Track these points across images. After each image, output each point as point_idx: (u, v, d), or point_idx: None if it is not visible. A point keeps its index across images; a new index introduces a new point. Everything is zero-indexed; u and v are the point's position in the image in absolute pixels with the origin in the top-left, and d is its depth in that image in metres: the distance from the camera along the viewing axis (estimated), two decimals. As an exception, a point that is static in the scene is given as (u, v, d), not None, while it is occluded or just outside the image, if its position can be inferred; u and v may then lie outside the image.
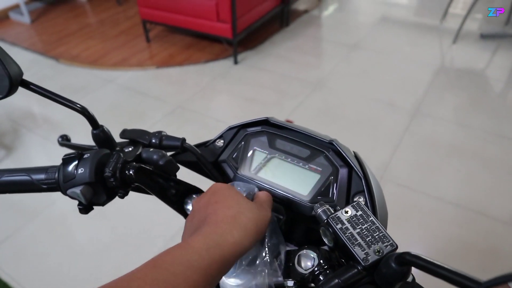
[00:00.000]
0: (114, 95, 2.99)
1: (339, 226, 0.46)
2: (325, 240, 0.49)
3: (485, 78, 3.08)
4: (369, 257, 0.43)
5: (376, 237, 0.44)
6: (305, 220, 0.59)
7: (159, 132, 0.64)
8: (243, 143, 0.64)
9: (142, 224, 2.01)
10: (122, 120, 2.70)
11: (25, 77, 0.53)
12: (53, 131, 2.65)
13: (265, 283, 0.52)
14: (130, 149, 0.62)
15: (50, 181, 0.55)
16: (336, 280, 0.44)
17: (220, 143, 0.66)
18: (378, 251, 0.43)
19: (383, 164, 2.26)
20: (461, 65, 3.23)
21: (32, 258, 1.87)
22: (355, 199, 0.55)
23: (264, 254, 0.53)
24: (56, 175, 0.55)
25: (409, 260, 0.38)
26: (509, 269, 0.27)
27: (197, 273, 0.39)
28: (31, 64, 3.39)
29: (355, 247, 0.44)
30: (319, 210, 0.50)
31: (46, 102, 2.82)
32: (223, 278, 0.55)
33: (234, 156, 0.64)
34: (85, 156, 0.55)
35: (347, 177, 0.57)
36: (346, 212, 0.47)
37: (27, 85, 0.53)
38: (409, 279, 0.42)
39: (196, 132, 2.55)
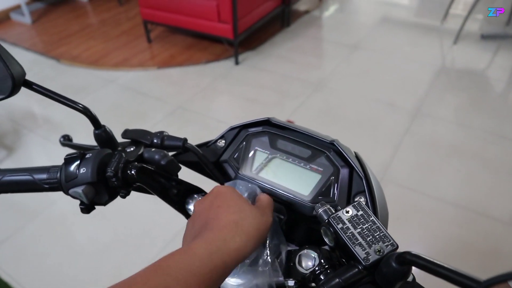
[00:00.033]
0: (115, 96, 3.00)
1: (340, 225, 0.46)
2: (326, 239, 0.49)
3: (486, 78, 3.08)
4: (369, 257, 0.43)
5: (377, 236, 0.44)
6: (306, 220, 0.59)
7: (161, 132, 0.64)
8: (244, 143, 0.64)
9: (143, 224, 2.01)
10: (123, 121, 2.71)
11: (26, 77, 0.54)
12: (53, 132, 2.65)
13: (266, 283, 0.52)
14: (132, 149, 0.62)
15: (52, 180, 0.55)
16: (337, 280, 0.44)
17: (222, 143, 0.66)
18: (379, 251, 0.43)
19: (383, 164, 2.26)
20: (461, 65, 3.23)
21: (32, 258, 1.88)
22: (356, 199, 0.55)
23: (265, 254, 0.53)
24: (58, 174, 0.55)
25: (409, 260, 0.38)
26: (509, 269, 0.27)
27: (199, 279, 0.39)
28: (32, 65, 3.40)
29: (356, 246, 0.44)
30: (320, 210, 0.50)
31: (46, 103, 2.83)
32: None
33: (235, 156, 0.64)
34: (87, 156, 0.55)
35: (348, 177, 0.57)
36: (347, 212, 0.47)
37: (30, 85, 0.54)
38: (410, 278, 0.42)
39: (197, 132, 2.55)
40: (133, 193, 0.61)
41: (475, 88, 2.93)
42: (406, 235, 1.88)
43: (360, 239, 0.44)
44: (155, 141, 0.63)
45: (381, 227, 0.45)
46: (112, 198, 0.58)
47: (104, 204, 0.57)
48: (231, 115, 2.78)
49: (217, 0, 3.05)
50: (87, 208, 0.56)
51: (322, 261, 0.51)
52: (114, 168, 0.54)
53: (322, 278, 0.49)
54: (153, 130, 0.65)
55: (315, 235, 0.61)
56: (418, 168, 2.24)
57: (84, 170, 0.53)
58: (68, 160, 0.55)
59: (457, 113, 2.68)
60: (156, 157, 0.60)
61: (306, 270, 0.51)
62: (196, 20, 3.24)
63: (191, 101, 2.88)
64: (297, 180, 0.59)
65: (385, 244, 0.44)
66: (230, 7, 2.99)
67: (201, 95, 2.95)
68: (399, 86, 2.96)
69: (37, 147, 2.54)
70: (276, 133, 0.63)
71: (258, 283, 0.52)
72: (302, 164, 0.59)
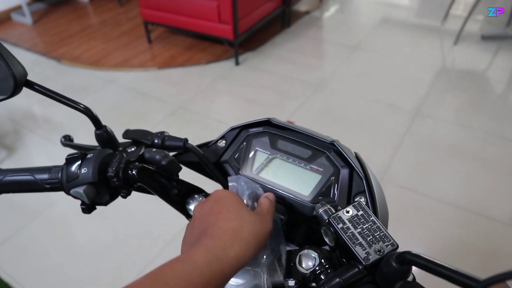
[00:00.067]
0: (115, 96, 3.00)
1: (340, 225, 0.46)
2: (326, 239, 0.49)
3: (486, 79, 3.08)
4: (370, 257, 0.43)
5: (377, 236, 0.45)
6: (306, 220, 0.59)
7: (162, 133, 0.64)
8: (245, 143, 0.64)
9: (143, 224, 2.01)
10: (124, 121, 2.71)
11: (27, 77, 0.54)
12: (54, 132, 2.66)
13: (266, 283, 0.52)
14: (132, 149, 0.63)
15: (53, 180, 0.55)
16: (337, 279, 0.44)
17: (222, 143, 0.67)
18: (379, 251, 0.43)
19: (383, 164, 2.26)
20: (462, 66, 3.23)
21: (32, 259, 1.88)
22: (356, 199, 0.55)
23: (265, 255, 0.54)
24: (60, 175, 0.55)
25: (409, 259, 0.38)
26: (509, 269, 0.27)
27: None
28: (33, 65, 3.40)
29: (356, 246, 0.44)
30: (321, 210, 0.50)
31: (47, 103, 2.84)
32: None
33: (236, 156, 0.64)
34: (88, 156, 0.55)
35: (348, 178, 0.57)
36: (347, 212, 0.47)
37: (32, 85, 0.54)
38: (410, 278, 0.43)
39: (197, 133, 2.55)
40: (133, 193, 0.61)
41: (475, 89, 2.93)
42: (406, 236, 1.88)
43: (361, 239, 0.45)
44: (156, 141, 0.63)
45: (381, 227, 0.45)
46: (113, 198, 0.58)
47: (105, 204, 0.57)
48: (231, 116, 2.79)
49: (217, 0, 3.05)
50: (88, 208, 0.56)
51: (322, 261, 0.51)
52: (115, 168, 0.54)
53: (323, 278, 0.49)
54: (154, 130, 0.65)
55: (315, 235, 0.61)
56: (418, 168, 2.25)
57: (85, 170, 0.53)
58: (70, 160, 0.55)
59: (457, 114, 2.68)
60: (157, 157, 0.60)
61: (307, 270, 0.51)
62: (196, 20, 3.24)
63: (192, 102, 2.88)
64: (297, 181, 0.59)
65: (385, 244, 0.44)
66: (231, 8, 2.99)
67: (201, 95, 2.95)
68: (399, 87, 2.96)
69: (38, 147, 2.55)
70: (276, 133, 0.63)
71: (258, 283, 0.52)
72: (302, 164, 0.60)
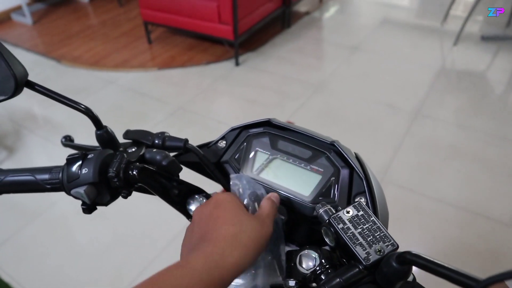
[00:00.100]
0: (115, 96, 3.00)
1: (340, 226, 0.46)
2: (326, 240, 0.49)
3: (486, 80, 3.08)
4: (370, 257, 0.43)
5: (377, 236, 0.45)
6: (306, 221, 0.59)
7: (162, 133, 0.64)
8: (245, 144, 0.64)
9: (143, 225, 2.01)
10: (124, 121, 2.71)
11: (28, 78, 0.54)
12: (54, 132, 2.66)
13: (266, 283, 0.52)
14: (133, 149, 0.63)
15: (54, 181, 0.55)
16: (338, 279, 0.44)
17: (223, 144, 0.67)
18: (379, 251, 0.43)
19: (383, 165, 2.26)
20: (462, 67, 3.23)
21: (33, 259, 1.88)
22: (356, 200, 0.55)
23: (265, 255, 0.54)
24: (60, 175, 0.55)
25: (410, 259, 0.38)
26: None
27: None
28: (33, 65, 3.40)
29: (357, 246, 0.44)
30: (321, 210, 0.50)
31: (47, 104, 2.84)
32: None
33: (236, 157, 0.64)
34: (89, 156, 0.55)
35: (349, 178, 0.57)
36: (348, 212, 0.47)
37: (32, 86, 0.54)
38: (410, 278, 0.43)
39: (197, 133, 2.55)
40: (134, 193, 0.61)
41: (475, 90, 2.94)
42: (406, 236, 1.88)
43: (361, 239, 0.45)
44: (156, 141, 0.63)
45: (382, 227, 0.46)
46: (114, 198, 0.58)
47: (106, 204, 0.57)
48: (231, 116, 2.79)
49: (217, 1, 3.06)
50: (89, 208, 0.56)
51: (323, 261, 0.51)
52: (116, 168, 0.54)
53: (323, 278, 0.49)
54: (154, 131, 0.65)
55: (316, 235, 0.61)
56: (418, 169, 2.25)
57: (86, 170, 0.53)
58: (70, 160, 0.55)
59: (457, 115, 2.68)
60: (158, 157, 0.60)
61: (307, 270, 0.51)
62: (196, 21, 3.25)
63: (192, 102, 2.88)
64: (297, 181, 0.59)
65: (386, 244, 0.44)
66: (231, 8, 2.99)
67: (201, 96, 2.95)
68: (399, 88, 2.96)
69: (38, 148, 2.55)
70: (276, 134, 0.63)
71: (258, 283, 0.52)
72: (302, 164, 0.60)
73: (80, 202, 0.56)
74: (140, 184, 0.58)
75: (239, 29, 3.12)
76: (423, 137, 2.48)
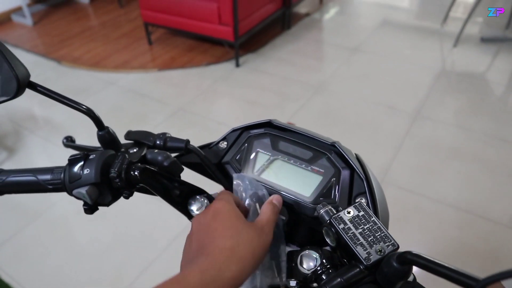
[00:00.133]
0: (115, 97, 3.01)
1: (341, 226, 0.47)
2: (327, 240, 0.49)
3: (486, 81, 3.08)
4: (371, 257, 0.43)
5: (378, 237, 0.45)
6: (307, 221, 0.60)
7: (164, 134, 0.64)
8: (246, 145, 0.65)
9: (144, 225, 2.01)
10: (124, 122, 2.71)
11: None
12: (54, 133, 2.66)
13: (265, 284, 0.53)
14: (135, 150, 0.63)
15: (56, 181, 0.56)
16: (339, 279, 0.44)
17: (224, 145, 0.67)
18: (380, 251, 0.44)
19: (384, 166, 2.26)
20: (461, 68, 3.24)
21: (33, 259, 1.88)
22: (357, 200, 0.56)
23: (265, 256, 0.54)
24: (62, 175, 0.55)
25: (410, 259, 0.39)
26: (509, 269, 0.28)
27: None
28: (33, 66, 3.41)
29: (357, 246, 0.44)
30: (322, 211, 0.50)
31: (47, 104, 2.84)
32: None
33: (237, 157, 0.65)
34: (91, 157, 0.55)
35: (349, 179, 0.57)
36: (349, 212, 0.48)
37: (34, 86, 0.54)
38: (410, 278, 0.43)
39: (197, 134, 2.56)
40: (134, 194, 0.61)
41: (475, 91, 2.94)
42: (406, 237, 1.88)
43: (362, 239, 0.45)
44: (157, 142, 0.63)
45: (382, 228, 0.46)
46: (115, 198, 0.58)
47: (108, 204, 0.57)
48: (231, 117, 2.79)
49: (218, 2, 3.06)
50: (90, 208, 0.56)
51: (323, 261, 0.51)
52: (117, 169, 0.55)
53: (324, 278, 0.49)
54: (155, 131, 0.65)
55: (316, 235, 0.62)
56: (418, 170, 2.25)
57: (88, 171, 0.54)
58: (72, 161, 0.55)
59: (457, 116, 2.68)
60: (159, 158, 0.60)
61: (308, 270, 0.51)
62: (197, 22, 3.25)
63: (192, 103, 2.88)
64: (298, 182, 0.60)
65: (386, 244, 0.44)
66: (231, 10, 3.00)
67: (201, 97, 2.96)
68: (399, 89, 2.97)
69: (38, 149, 2.55)
70: (277, 135, 0.63)
71: (257, 284, 0.53)
72: (303, 165, 0.60)
73: (81, 202, 0.56)
74: (141, 185, 0.58)
75: (239, 30, 3.12)
76: (423, 138, 2.48)
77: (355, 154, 0.62)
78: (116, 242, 1.93)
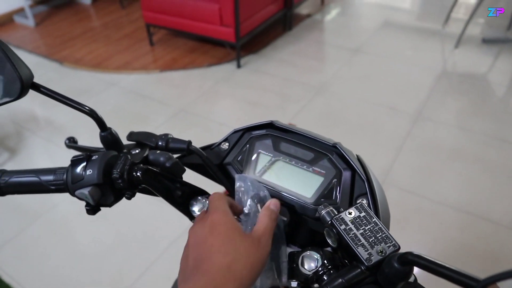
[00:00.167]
0: (117, 98, 3.01)
1: (343, 227, 0.47)
2: (329, 240, 0.50)
3: (487, 82, 3.08)
4: (372, 257, 0.44)
5: (379, 237, 0.45)
6: (308, 222, 0.60)
7: (166, 135, 0.65)
8: (248, 146, 0.65)
9: (145, 226, 2.02)
10: (126, 123, 2.72)
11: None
12: (56, 134, 2.67)
13: (265, 285, 0.53)
14: (137, 151, 0.63)
15: (59, 182, 0.56)
16: (340, 280, 0.45)
17: (225, 146, 0.67)
18: (381, 252, 0.44)
19: (385, 167, 2.26)
20: (463, 69, 3.24)
21: (34, 260, 1.88)
22: (358, 201, 0.56)
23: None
24: (65, 176, 0.55)
25: (411, 260, 0.39)
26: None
27: None
28: (35, 67, 3.40)
29: (359, 247, 0.45)
30: (323, 212, 0.50)
31: (49, 105, 2.85)
32: None
33: (239, 158, 0.65)
34: (93, 157, 0.56)
35: (350, 180, 0.57)
36: (350, 213, 0.48)
37: (38, 87, 0.55)
38: (411, 279, 0.43)
39: (199, 135, 2.56)
40: (136, 195, 0.61)
41: (476, 92, 2.94)
42: (407, 238, 1.88)
43: (363, 240, 0.45)
44: (160, 143, 0.64)
45: (383, 228, 0.46)
46: (117, 199, 0.58)
47: (110, 205, 0.58)
48: (233, 118, 2.79)
49: (219, 3, 3.07)
50: (92, 209, 0.56)
51: (325, 262, 0.51)
52: (120, 170, 0.55)
53: (325, 278, 0.49)
54: (156, 133, 0.66)
55: (317, 236, 0.62)
56: (420, 171, 2.25)
57: (90, 171, 0.54)
58: (75, 161, 0.55)
59: (458, 117, 2.68)
60: (161, 159, 0.60)
61: (309, 271, 0.51)
62: (198, 23, 3.26)
63: (193, 104, 2.89)
64: (300, 183, 0.60)
65: (387, 245, 0.44)
66: (232, 11, 3.00)
67: (203, 98, 2.96)
68: (400, 90, 2.97)
69: (40, 149, 2.56)
70: (279, 136, 0.63)
71: (259, 286, 0.53)
72: (305, 166, 0.60)
73: (82, 203, 0.56)
74: (143, 186, 0.59)
75: (240, 31, 3.13)
76: (424, 139, 2.48)
77: (356, 155, 0.62)
78: (117, 243, 1.94)
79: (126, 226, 2.01)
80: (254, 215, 0.54)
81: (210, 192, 0.66)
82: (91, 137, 0.58)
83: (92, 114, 0.58)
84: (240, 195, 0.58)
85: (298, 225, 0.62)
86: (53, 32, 4.08)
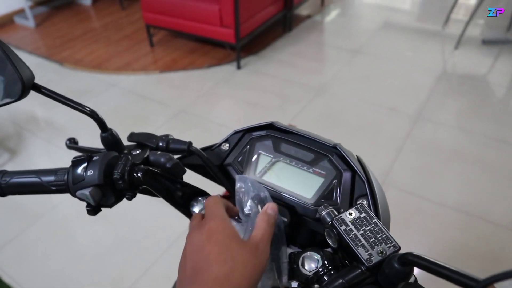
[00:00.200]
0: (117, 99, 3.01)
1: (343, 227, 0.47)
2: (329, 241, 0.50)
3: (487, 83, 3.08)
4: (372, 258, 0.44)
5: (379, 238, 0.45)
6: (309, 223, 0.60)
7: (166, 136, 0.65)
8: (248, 147, 0.65)
9: (145, 227, 2.02)
10: (126, 124, 2.72)
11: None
12: (56, 135, 2.67)
13: (268, 286, 0.53)
14: (137, 152, 0.63)
15: (60, 182, 0.56)
16: (340, 280, 0.45)
17: (226, 146, 0.67)
18: (381, 252, 0.44)
19: (385, 168, 2.26)
20: (463, 70, 3.24)
21: (34, 261, 1.88)
22: (358, 202, 0.56)
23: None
24: (66, 177, 0.56)
25: (411, 260, 0.39)
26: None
27: None
28: (35, 68, 3.38)
29: (359, 248, 0.45)
30: (324, 213, 0.51)
31: (49, 106, 2.85)
32: None
33: (239, 159, 0.65)
34: (94, 158, 0.56)
35: (351, 181, 0.58)
36: (350, 214, 0.48)
37: (39, 88, 0.55)
38: (412, 279, 0.43)
39: (199, 136, 2.56)
40: (136, 196, 0.61)
41: (476, 93, 2.94)
42: (407, 239, 1.88)
43: (363, 241, 0.45)
44: (160, 144, 0.64)
45: (384, 229, 0.46)
46: (118, 200, 0.58)
47: (111, 206, 0.58)
48: (233, 119, 2.80)
49: (219, 4, 3.07)
50: (93, 210, 0.56)
51: (325, 262, 0.51)
52: (120, 170, 0.55)
53: (326, 279, 0.49)
54: (156, 133, 0.66)
55: (318, 237, 0.62)
56: (419, 172, 2.25)
57: (91, 172, 0.54)
58: (76, 162, 0.56)
59: (458, 118, 2.69)
60: (162, 160, 0.60)
61: (310, 271, 0.52)
62: (198, 24, 3.26)
63: (193, 105, 2.89)
64: (300, 184, 0.60)
65: (388, 245, 0.44)
66: (233, 12, 3.01)
67: (203, 99, 2.96)
68: (400, 91, 2.97)
69: (40, 150, 2.56)
70: (279, 137, 0.64)
71: (259, 286, 0.53)
72: (305, 167, 0.60)
73: (83, 204, 0.56)
74: (144, 186, 0.59)
75: (240, 32, 3.13)
76: (424, 140, 2.48)
77: (357, 156, 0.62)
78: (117, 244, 1.94)
79: (126, 227, 2.01)
80: (255, 216, 0.54)
81: (211, 193, 0.66)
82: (92, 138, 0.58)
83: (93, 115, 0.58)
84: (241, 196, 0.58)
85: (298, 225, 0.62)
86: (53, 33, 4.08)
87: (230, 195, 0.66)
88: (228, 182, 0.65)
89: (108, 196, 0.56)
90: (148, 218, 2.04)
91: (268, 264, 0.54)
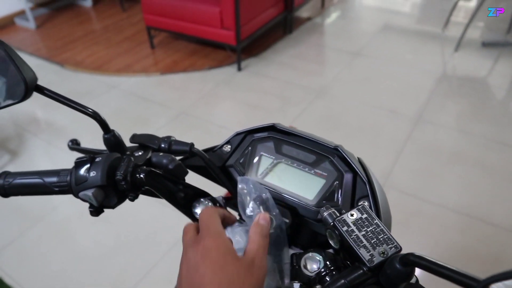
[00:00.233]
0: (118, 101, 3.02)
1: (345, 228, 0.47)
2: (331, 242, 0.50)
3: (487, 85, 3.09)
4: (374, 259, 0.44)
5: (381, 239, 0.45)
6: (310, 224, 0.60)
7: (168, 137, 0.65)
8: (250, 148, 0.65)
9: (146, 229, 2.02)
10: (127, 126, 2.72)
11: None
12: (57, 136, 2.67)
13: (271, 286, 0.53)
14: (140, 153, 0.63)
15: (62, 183, 0.56)
16: (342, 281, 0.45)
17: (228, 148, 0.68)
18: (383, 253, 0.44)
19: (385, 170, 2.26)
20: (463, 72, 3.24)
21: (35, 262, 1.88)
22: (359, 203, 0.56)
23: (268, 260, 0.54)
24: (68, 178, 0.56)
25: (413, 261, 0.39)
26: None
27: None
28: (36, 70, 3.30)
29: (361, 248, 0.45)
30: (325, 214, 0.51)
31: (50, 107, 2.85)
32: None
33: (241, 161, 0.65)
34: (97, 159, 0.56)
35: (352, 182, 0.58)
36: (352, 215, 0.48)
37: (42, 90, 0.55)
38: (413, 280, 0.44)
39: (199, 137, 2.56)
40: (139, 197, 0.62)
41: (476, 95, 2.94)
42: (408, 240, 1.88)
43: (365, 242, 0.45)
44: (162, 145, 0.64)
45: (385, 230, 0.46)
46: (121, 201, 0.58)
47: (113, 207, 0.58)
48: (233, 121, 2.80)
49: (220, 6, 3.08)
50: (96, 211, 0.57)
51: (327, 263, 0.52)
52: (123, 171, 0.55)
53: (328, 280, 0.50)
54: (157, 135, 0.66)
55: (320, 238, 0.62)
56: (420, 174, 2.25)
57: (94, 173, 0.54)
58: (78, 163, 0.56)
59: (458, 120, 2.69)
60: (164, 161, 0.61)
61: (312, 272, 0.52)
62: (199, 26, 3.26)
63: (194, 107, 2.89)
64: (302, 185, 0.60)
65: (389, 246, 0.45)
66: (233, 14, 3.01)
67: (203, 100, 2.97)
68: (400, 93, 2.97)
69: (41, 152, 2.56)
70: (281, 138, 0.64)
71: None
72: (306, 169, 0.60)
73: (84, 205, 0.56)
74: (146, 187, 0.59)
75: (241, 34, 3.14)
76: (425, 142, 2.48)
77: (358, 157, 0.63)
78: (119, 245, 1.94)
79: (127, 228, 2.01)
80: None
81: (213, 194, 0.66)
82: (93, 139, 0.58)
83: (95, 116, 0.58)
84: (243, 197, 0.58)
85: (300, 227, 0.62)
86: (54, 35, 4.09)
87: (232, 197, 0.67)
88: (230, 183, 0.65)
89: (110, 197, 0.57)
90: (149, 219, 2.04)
91: (270, 265, 0.54)
